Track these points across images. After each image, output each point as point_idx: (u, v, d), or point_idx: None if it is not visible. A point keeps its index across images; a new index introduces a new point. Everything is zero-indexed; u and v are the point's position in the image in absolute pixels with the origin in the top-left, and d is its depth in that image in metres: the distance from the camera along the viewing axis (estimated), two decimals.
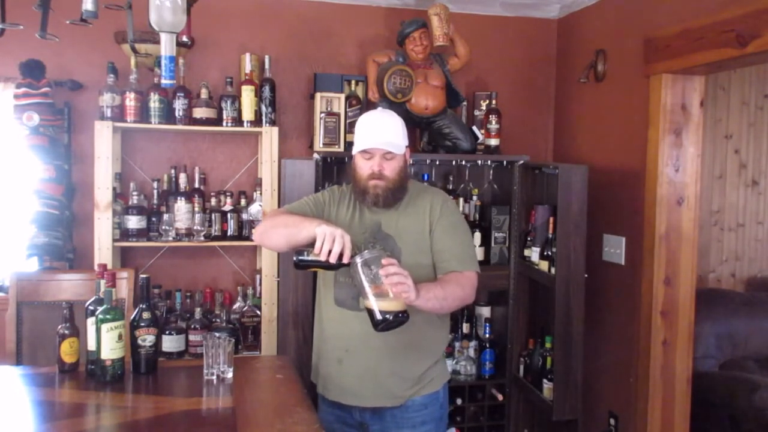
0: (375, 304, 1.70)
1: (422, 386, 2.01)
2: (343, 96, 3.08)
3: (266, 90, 2.99)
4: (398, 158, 1.97)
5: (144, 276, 2.00)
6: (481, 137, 3.21)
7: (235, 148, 3.23)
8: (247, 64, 2.97)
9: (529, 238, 3.08)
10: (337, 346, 2.02)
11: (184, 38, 2.73)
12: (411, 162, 2.09)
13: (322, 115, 3.01)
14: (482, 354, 3.21)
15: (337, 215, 2.05)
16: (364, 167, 1.97)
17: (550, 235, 2.88)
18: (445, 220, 2.00)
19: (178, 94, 2.86)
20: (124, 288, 2.48)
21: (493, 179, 3.33)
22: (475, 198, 3.22)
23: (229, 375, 1.96)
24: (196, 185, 3.10)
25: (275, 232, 1.94)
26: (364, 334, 1.90)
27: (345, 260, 1.76)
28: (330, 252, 1.74)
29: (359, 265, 1.72)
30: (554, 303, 2.78)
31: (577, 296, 2.80)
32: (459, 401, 3.16)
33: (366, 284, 1.71)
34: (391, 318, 1.69)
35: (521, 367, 3.13)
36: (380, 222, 2.01)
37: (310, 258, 1.80)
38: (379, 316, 1.70)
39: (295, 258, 1.83)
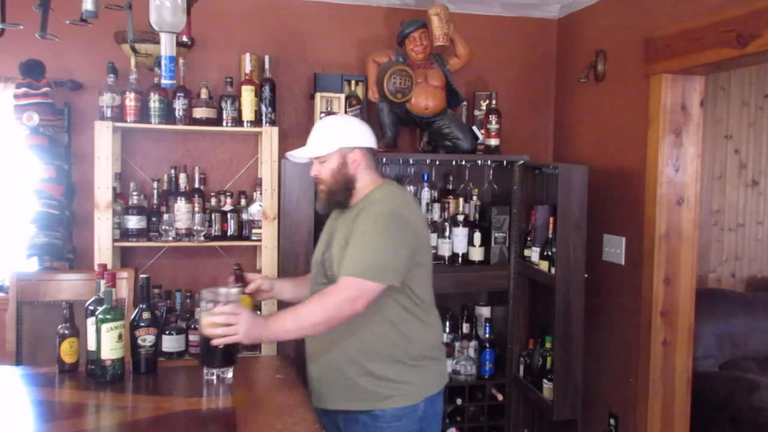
0: (205, 348, 1.86)
1: (391, 397, 1.92)
2: (343, 96, 3.08)
3: (266, 90, 2.99)
4: (331, 160, 1.96)
5: (144, 276, 2.00)
6: (481, 137, 3.21)
7: (235, 148, 3.23)
8: (247, 64, 2.97)
9: (529, 238, 3.08)
10: (306, 347, 2.06)
11: (184, 38, 2.73)
12: (359, 162, 1.97)
13: (322, 115, 3.01)
14: (482, 354, 3.21)
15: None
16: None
17: (550, 235, 2.88)
18: (356, 229, 1.90)
19: (178, 94, 2.86)
20: (124, 288, 2.48)
21: (493, 179, 3.33)
22: (475, 198, 3.22)
23: (229, 375, 1.95)
24: (196, 185, 3.10)
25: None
26: (321, 338, 1.94)
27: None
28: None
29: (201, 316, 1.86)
30: (554, 303, 2.78)
31: (577, 296, 2.79)
32: (459, 401, 3.16)
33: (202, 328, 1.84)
34: (215, 369, 1.90)
35: (521, 367, 3.13)
36: (334, 229, 2.03)
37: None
38: (205, 359, 1.89)
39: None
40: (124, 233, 2.87)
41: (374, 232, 1.87)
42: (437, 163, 3.19)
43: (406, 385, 1.93)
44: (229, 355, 1.87)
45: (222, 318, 1.76)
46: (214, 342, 1.77)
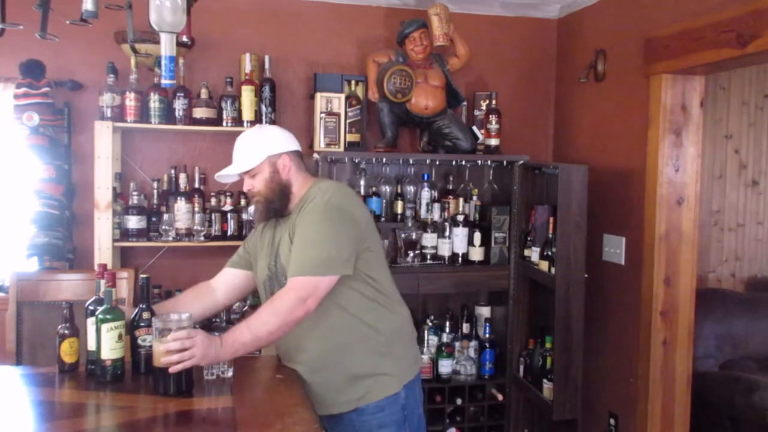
0: (161, 376, 1.78)
1: (371, 392, 1.93)
2: (343, 96, 3.08)
3: (266, 90, 2.99)
4: (263, 171, 1.97)
5: (144, 276, 1.99)
6: (481, 137, 3.21)
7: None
8: (247, 64, 2.97)
9: (529, 238, 3.08)
10: (279, 356, 2.09)
11: (184, 38, 2.74)
12: (289, 167, 1.96)
13: (322, 115, 3.01)
14: (482, 354, 3.21)
15: (257, 241, 2.10)
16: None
17: (550, 235, 2.88)
18: (300, 224, 1.91)
19: (178, 94, 2.86)
20: (124, 288, 2.47)
21: (493, 179, 3.33)
22: (475, 198, 3.22)
23: (229, 375, 1.95)
24: (196, 185, 3.10)
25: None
26: (289, 345, 1.96)
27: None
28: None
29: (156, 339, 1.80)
30: (554, 303, 2.78)
31: (577, 296, 2.79)
32: (459, 401, 3.16)
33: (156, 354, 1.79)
34: (171, 391, 1.78)
35: (521, 367, 3.13)
36: (275, 236, 2.02)
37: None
38: (161, 386, 1.79)
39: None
40: (124, 233, 2.87)
41: (311, 228, 1.88)
42: (437, 163, 3.19)
43: (384, 376, 1.95)
44: (187, 379, 1.81)
45: (177, 344, 1.73)
46: (172, 369, 1.73)
